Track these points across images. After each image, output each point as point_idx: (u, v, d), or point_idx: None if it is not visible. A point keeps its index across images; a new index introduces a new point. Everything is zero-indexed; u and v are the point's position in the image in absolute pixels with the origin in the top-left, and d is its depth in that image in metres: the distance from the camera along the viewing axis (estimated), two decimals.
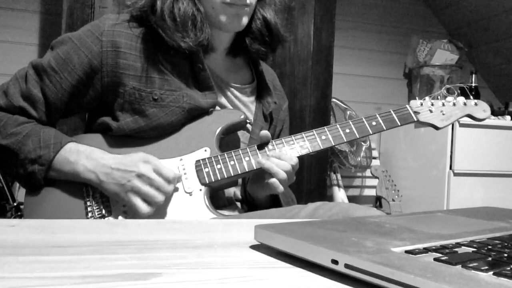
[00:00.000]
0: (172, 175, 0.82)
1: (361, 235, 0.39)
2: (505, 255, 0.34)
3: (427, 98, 0.95)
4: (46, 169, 0.83)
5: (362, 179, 2.48)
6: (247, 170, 0.86)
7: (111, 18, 0.90)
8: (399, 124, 0.91)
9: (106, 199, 0.85)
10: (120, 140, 0.89)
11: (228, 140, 0.95)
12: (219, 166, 0.87)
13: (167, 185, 0.81)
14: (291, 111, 1.30)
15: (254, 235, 0.41)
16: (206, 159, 0.87)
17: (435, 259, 0.32)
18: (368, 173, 2.38)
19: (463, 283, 0.27)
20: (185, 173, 0.87)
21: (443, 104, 0.95)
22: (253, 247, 0.42)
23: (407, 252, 0.34)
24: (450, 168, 2.09)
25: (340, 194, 2.19)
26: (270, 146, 0.88)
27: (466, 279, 0.28)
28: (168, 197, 0.84)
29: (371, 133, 0.90)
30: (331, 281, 0.32)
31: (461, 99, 0.96)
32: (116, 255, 0.37)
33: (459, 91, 2.17)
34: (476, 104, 0.97)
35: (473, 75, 2.41)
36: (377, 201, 2.40)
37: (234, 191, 1.00)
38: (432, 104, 0.94)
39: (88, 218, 0.84)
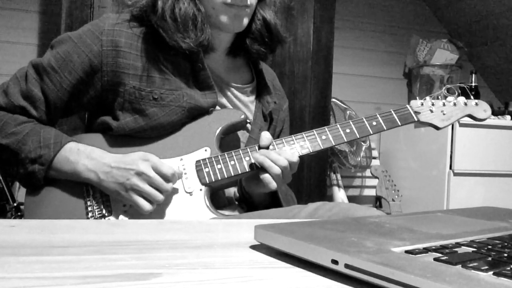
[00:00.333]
0: (171, 172, 0.82)
1: (361, 235, 0.39)
2: (505, 255, 0.34)
3: (427, 98, 0.95)
4: (46, 168, 0.84)
5: (362, 179, 2.48)
6: (247, 170, 0.86)
7: (111, 17, 0.90)
8: (399, 124, 0.91)
9: (106, 199, 0.85)
10: (120, 140, 0.89)
11: (228, 140, 0.95)
12: (219, 166, 0.87)
13: (165, 183, 0.81)
14: (291, 111, 1.30)
15: (254, 235, 0.41)
16: (207, 159, 0.87)
17: (435, 259, 0.32)
18: (368, 173, 2.38)
19: (463, 283, 0.27)
20: (185, 173, 0.87)
21: (444, 104, 0.95)
22: (253, 247, 0.42)
23: (407, 252, 0.34)
24: (450, 168, 2.09)
25: (340, 194, 2.19)
26: (270, 146, 0.88)
27: (466, 279, 0.28)
28: (168, 197, 0.84)
29: (372, 133, 0.90)
30: (331, 281, 0.32)
31: (462, 99, 0.96)
32: (116, 255, 0.37)
33: (459, 91, 2.17)
34: (476, 104, 0.97)
35: (473, 75, 2.41)
36: (377, 201, 2.40)
37: (234, 191, 1.00)
38: (433, 104, 0.94)
39: (88, 218, 0.84)
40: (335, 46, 1.85)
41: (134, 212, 0.84)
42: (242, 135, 0.98)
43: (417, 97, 0.96)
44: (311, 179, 1.77)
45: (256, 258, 0.39)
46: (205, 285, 0.30)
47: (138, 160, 0.81)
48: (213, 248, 0.42)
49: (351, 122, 0.90)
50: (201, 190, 0.86)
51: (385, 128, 0.90)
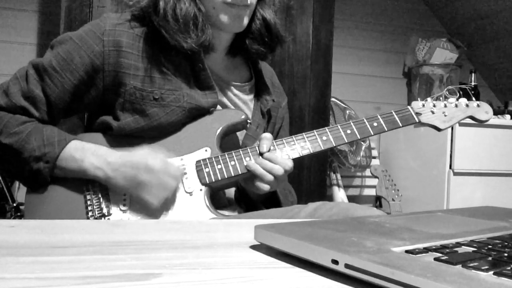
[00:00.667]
0: (178, 169, 0.84)
1: (361, 235, 0.39)
2: (505, 254, 0.34)
3: (429, 99, 0.95)
4: (52, 166, 0.83)
5: (362, 178, 2.48)
6: (247, 170, 0.86)
7: (112, 17, 0.90)
8: (400, 125, 0.90)
9: (106, 198, 0.85)
10: (121, 139, 0.89)
11: (227, 140, 0.95)
12: (219, 166, 0.87)
13: (172, 180, 0.82)
14: (290, 110, 1.30)
15: (254, 235, 0.41)
16: (207, 159, 0.87)
17: (435, 259, 0.32)
18: (367, 172, 2.38)
19: (463, 283, 0.27)
20: (185, 173, 0.87)
21: (445, 106, 0.95)
22: (253, 247, 0.42)
23: (407, 252, 0.34)
24: (450, 167, 2.09)
25: (340, 194, 2.19)
26: (271, 147, 0.88)
27: (466, 279, 0.28)
28: (168, 197, 0.84)
29: (372, 134, 0.90)
30: (331, 281, 0.32)
31: (463, 100, 0.96)
32: (116, 255, 0.37)
33: (460, 92, 2.17)
34: (478, 105, 0.97)
35: (473, 74, 2.41)
36: (377, 201, 2.40)
37: (234, 192, 1.00)
38: (434, 105, 0.94)
39: (88, 217, 0.84)
40: (334, 46, 1.85)
41: (134, 210, 0.84)
42: (241, 134, 0.98)
43: (417, 96, 0.96)
44: (311, 179, 1.77)
45: (256, 258, 0.39)
46: (205, 285, 0.30)
47: (146, 157, 0.82)
48: (213, 248, 0.42)
49: (351, 123, 0.90)
50: (201, 190, 0.86)
51: (386, 129, 0.90)
